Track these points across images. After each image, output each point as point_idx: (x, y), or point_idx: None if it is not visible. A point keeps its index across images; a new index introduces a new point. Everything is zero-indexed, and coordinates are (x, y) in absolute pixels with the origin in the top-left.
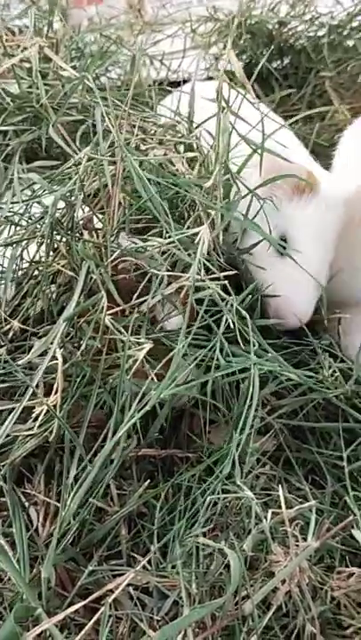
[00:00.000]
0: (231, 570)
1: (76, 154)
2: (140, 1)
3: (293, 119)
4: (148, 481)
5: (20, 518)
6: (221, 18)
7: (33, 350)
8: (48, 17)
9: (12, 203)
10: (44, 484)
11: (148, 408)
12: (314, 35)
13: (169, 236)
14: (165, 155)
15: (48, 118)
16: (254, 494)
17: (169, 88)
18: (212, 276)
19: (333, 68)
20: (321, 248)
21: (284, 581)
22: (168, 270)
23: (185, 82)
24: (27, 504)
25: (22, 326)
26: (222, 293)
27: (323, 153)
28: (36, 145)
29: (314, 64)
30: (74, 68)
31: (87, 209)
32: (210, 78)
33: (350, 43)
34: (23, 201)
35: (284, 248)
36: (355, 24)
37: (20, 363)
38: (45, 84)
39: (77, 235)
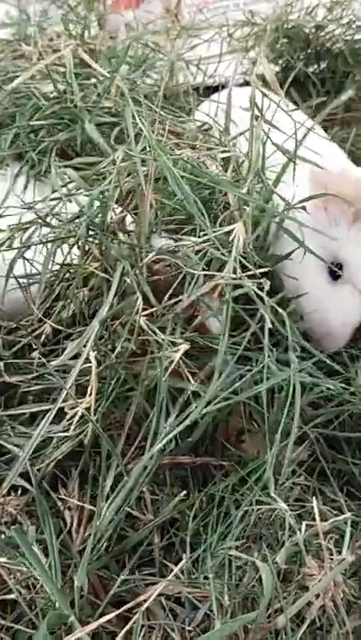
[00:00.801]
0: (263, 583)
1: (109, 152)
2: (177, 6)
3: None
4: (183, 492)
5: (51, 524)
6: (258, 22)
7: (66, 352)
8: (84, 22)
9: (51, 199)
10: (77, 488)
11: (188, 422)
12: (351, 38)
13: (204, 235)
14: (199, 158)
15: (82, 119)
16: (288, 506)
17: (201, 95)
18: (248, 273)
19: None
20: None
21: (318, 595)
22: (203, 269)
23: (222, 87)
24: (61, 508)
25: (55, 326)
26: (259, 292)
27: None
28: (67, 146)
29: (351, 68)
30: (109, 72)
31: (119, 210)
32: (247, 83)
33: None
34: (57, 199)
35: (339, 275)
36: None
37: (53, 364)
38: (80, 87)
39: (111, 236)
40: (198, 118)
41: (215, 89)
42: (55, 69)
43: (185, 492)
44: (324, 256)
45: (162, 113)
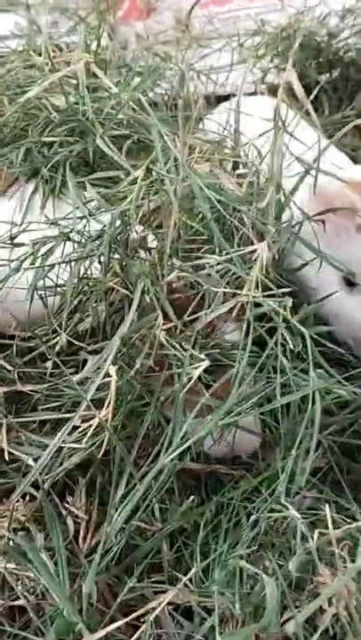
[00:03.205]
0: (267, 595)
1: (129, 170)
2: (188, 16)
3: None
4: (191, 498)
5: (59, 532)
6: (270, 31)
7: (87, 367)
8: (96, 33)
9: (78, 217)
10: (85, 497)
11: (203, 434)
12: None
13: (226, 254)
14: (211, 171)
15: (95, 132)
16: (300, 514)
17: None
18: (267, 293)
19: None
20: None
21: (330, 603)
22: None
23: (232, 96)
24: (67, 517)
25: (69, 338)
26: (280, 310)
27: None
28: (80, 159)
29: None
30: (119, 83)
31: (141, 227)
32: (255, 92)
33: None
34: (80, 217)
35: (352, 283)
36: None
37: (75, 378)
38: (92, 100)
39: (133, 253)
40: (209, 127)
41: (226, 98)
42: (66, 81)
43: (192, 498)
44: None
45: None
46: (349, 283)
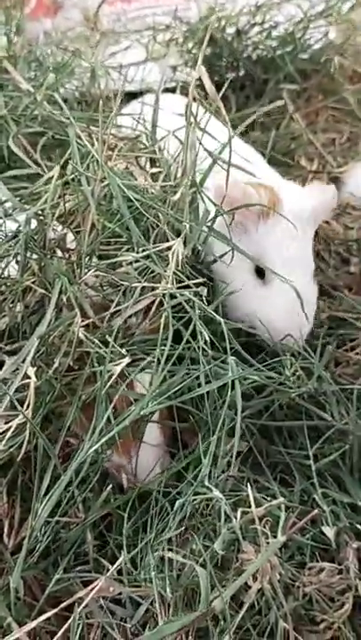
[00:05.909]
0: (201, 584)
1: (43, 169)
2: (96, 14)
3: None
4: (110, 486)
5: None
6: (183, 29)
7: (5, 368)
8: (5, 29)
9: None
10: (6, 496)
11: (125, 424)
12: (269, 46)
13: (143, 251)
14: (127, 168)
15: (9, 130)
16: (224, 495)
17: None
18: (182, 284)
19: (291, 78)
20: (298, 265)
21: (255, 579)
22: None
23: (142, 93)
24: None
25: None
26: (197, 300)
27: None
28: None
29: (270, 75)
30: (31, 79)
31: (60, 227)
32: (166, 90)
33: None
34: None
35: (263, 275)
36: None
37: None
38: (5, 96)
39: (50, 253)
40: (122, 123)
41: (134, 95)
42: None
43: (110, 486)
44: (252, 265)
45: (97, 125)
46: (260, 274)
